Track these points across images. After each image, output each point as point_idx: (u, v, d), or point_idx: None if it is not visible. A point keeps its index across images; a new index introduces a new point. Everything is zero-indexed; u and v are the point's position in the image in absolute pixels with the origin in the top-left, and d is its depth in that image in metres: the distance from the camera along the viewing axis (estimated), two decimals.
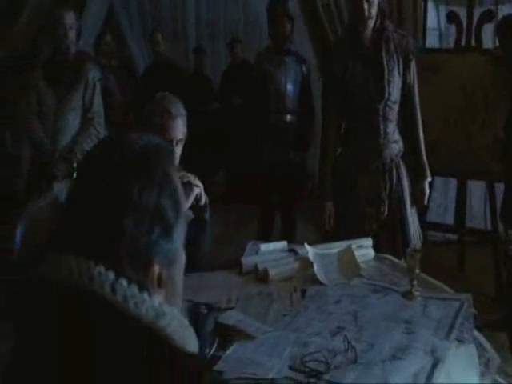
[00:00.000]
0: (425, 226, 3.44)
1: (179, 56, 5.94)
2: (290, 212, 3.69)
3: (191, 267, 1.90)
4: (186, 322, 0.75)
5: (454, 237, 3.86)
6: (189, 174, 1.96)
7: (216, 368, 1.38)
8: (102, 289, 0.68)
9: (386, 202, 2.66)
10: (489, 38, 3.64)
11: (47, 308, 0.71)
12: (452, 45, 3.59)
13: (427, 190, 2.74)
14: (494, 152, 3.30)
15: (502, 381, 1.75)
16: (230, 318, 1.59)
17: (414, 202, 2.73)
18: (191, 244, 1.95)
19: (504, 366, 2.42)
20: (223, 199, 4.87)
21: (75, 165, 2.99)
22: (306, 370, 1.37)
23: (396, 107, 2.65)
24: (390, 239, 2.69)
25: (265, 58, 3.57)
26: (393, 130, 2.67)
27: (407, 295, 1.76)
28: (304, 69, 3.57)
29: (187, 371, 0.69)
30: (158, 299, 0.72)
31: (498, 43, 3.44)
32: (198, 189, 1.96)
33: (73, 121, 3.16)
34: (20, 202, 3.19)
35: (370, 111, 2.61)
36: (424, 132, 2.77)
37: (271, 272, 1.89)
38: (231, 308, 1.67)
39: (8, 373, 0.71)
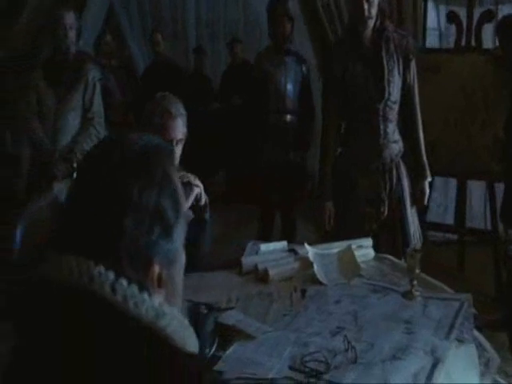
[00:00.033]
0: (425, 225, 3.44)
1: (179, 56, 5.94)
2: (290, 212, 3.69)
3: (191, 267, 1.91)
4: (186, 322, 0.75)
5: (454, 237, 3.86)
6: (189, 174, 1.95)
7: (216, 368, 1.37)
8: (102, 289, 0.68)
9: (386, 202, 2.66)
10: (489, 38, 3.64)
11: (47, 308, 0.71)
12: (452, 45, 3.58)
13: (427, 190, 2.74)
14: (494, 152, 3.30)
15: (502, 381, 1.75)
16: (230, 317, 1.59)
17: (413, 201, 2.73)
18: (191, 244, 1.96)
19: (504, 365, 2.42)
20: (223, 199, 4.87)
21: (75, 165, 2.99)
22: (306, 369, 1.37)
23: (396, 107, 2.65)
24: (390, 239, 2.69)
25: (265, 57, 3.57)
26: (393, 130, 2.67)
27: (407, 295, 1.76)
28: (304, 69, 3.57)
29: (187, 371, 0.69)
30: (158, 299, 0.72)
31: (498, 43, 3.44)
32: (198, 189, 1.96)
33: (73, 121, 3.16)
34: (20, 202, 3.19)
35: (369, 111, 2.61)
36: (424, 132, 2.77)
37: (271, 272, 1.89)
38: (231, 308, 1.67)
39: (8, 373, 0.71)
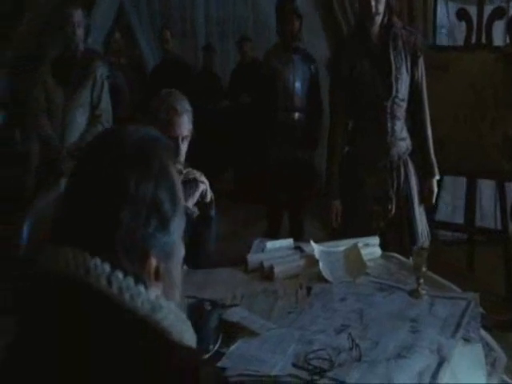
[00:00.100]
0: (434, 225, 3.41)
1: (188, 54, 5.95)
2: (297, 213, 3.69)
3: (197, 264, 1.91)
4: (184, 316, 0.74)
5: (464, 236, 3.82)
6: (194, 171, 1.95)
7: (219, 364, 1.37)
8: (98, 281, 0.68)
9: (394, 200, 2.64)
10: (499, 35, 3.61)
11: (44, 300, 0.71)
12: (462, 42, 3.55)
13: (435, 189, 2.72)
14: (504, 150, 3.27)
15: (509, 380, 1.73)
16: (235, 314, 1.59)
17: (421, 200, 2.71)
18: (196, 241, 1.96)
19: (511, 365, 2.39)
20: (231, 197, 4.87)
21: None
22: (310, 367, 1.37)
23: (404, 105, 2.64)
24: (398, 238, 2.67)
25: (273, 55, 3.57)
26: (400, 128, 2.65)
27: (413, 294, 1.74)
28: (312, 67, 3.56)
29: (184, 365, 0.68)
30: (154, 292, 0.72)
31: (508, 40, 3.41)
32: (204, 185, 1.95)
33: (80, 118, 3.18)
34: (28, 201, 3.22)
35: (377, 109, 2.59)
36: (433, 129, 2.75)
37: (276, 269, 1.88)
38: (236, 305, 1.66)
39: (5, 363, 0.71)
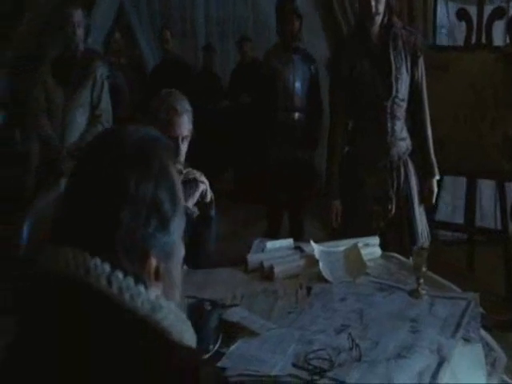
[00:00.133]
0: (434, 225, 3.41)
1: (188, 54, 5.95)
2: (297, 213, 3.69)
3: (197, 265, 1.91)
4: (184, 316, 0.74)
5: (464, 236, 3.82)
6: (194, 171, 1.95)
7: (219, 364, 1.37)
8: (98, 281, 0.68)
9: (394, 200, 2.64)
10: (499, 35, 3.60)
11: (45, 299, 0.71)
12: (462, 42, 3.55)
13: (435, 189, 2.72)
14: (503, 150, 3.27)
15: (509, 381, 1.73)
16: (235, 314, 1.59)
17: (421, 200, 2.71)
18: (196, 241, 1.96)
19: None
20: (231, 197, 4.87)
21: None
22: (310, 367, 1.36)
23: (404, 105, 2.64)
24: (398, 238, 2.67)
25: (273, 55, 3.57)
26: (400, 128, 2.65)
27: (413, 294, 1.74)
28: (312, 67, 3.56)
29: (184, 365, 0.68)
30: (154, 292, 0.72)
31: (508, 40, 3.41)
32: (204, 185, 1.95)
33: (80, 118, 3.18)
34: (28, 201, 3.22)
35: (377, 109, 2.59)
36: (433, 129, 2.75)
37: (276, 269, 1.88)
38: (236, 305, 1.66)
39: (5, 363, 0.71)
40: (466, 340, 1.51)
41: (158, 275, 0.73)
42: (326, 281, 1.85)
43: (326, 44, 4.32)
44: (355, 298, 1.73)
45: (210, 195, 1.99)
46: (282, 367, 1.37)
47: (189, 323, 0.75)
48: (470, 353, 1.49)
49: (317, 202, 3.69)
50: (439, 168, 2.73)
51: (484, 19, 3.41)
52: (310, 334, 1.51)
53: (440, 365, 1.37)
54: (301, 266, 1.95)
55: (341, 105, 2.71)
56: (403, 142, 2.66)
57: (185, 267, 1.88)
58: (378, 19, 2.55)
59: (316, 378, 1.33)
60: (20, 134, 4.11)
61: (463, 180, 3.69)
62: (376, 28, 2.58)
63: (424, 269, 1.77)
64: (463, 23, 3.53)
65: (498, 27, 3.53)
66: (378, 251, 2.09)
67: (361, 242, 2.05)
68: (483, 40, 3.42)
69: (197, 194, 1.93)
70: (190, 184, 1.92)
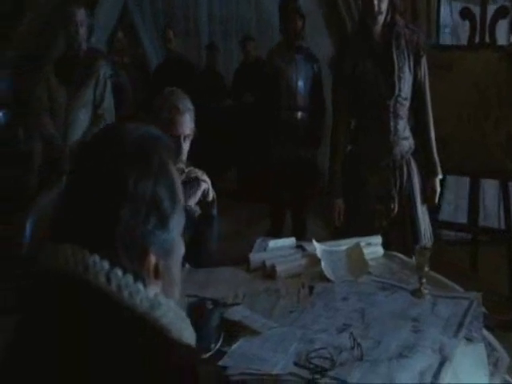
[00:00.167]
0: (437, 224, 3.40)
1: (191, 53, 5.96)
2: (300, 212, 3.68)
3: (199, 264, 1.91)
4: (183, 313, 0.74)
5: (468, 236, 3.81)
6: (196, 170, 1.95)
7: (221, 363, 1.37)
8: (97, 278, 0.68)
9: (396, 199, 2.63)
10: (503, 34, 3.59)
11: (45, 297, 0.72)
12: (465, 42, 3.54)
13: (438, 188, 2.71)
14: (507, 150, 3.26)
15: None
16: (236, 313, 1.58)
17: (424, 199, 2.70)
18: (198, 240, 1.96)
19: None
20: (234, 197, 4.87)
21: None
22: (311, 366, 1.36)
23: (407, 104, 2.63)
24: (401, 237, 2.66)
25: (276, 54, 3.57)
26: (403, 127, 2.64)
27: (416, 293, 1.74)
28: (315, 66, 3.56)
29: (183, 362, 0.68)
30: (153, 290, 0.72)
31: None
32: (206, 184, 1.95)
33: (83, 117, 3.19)
34: (31, 199, 3.22)
35: (380, 108, 2.58)
36: (437, 128, 2.74)
37: (279, 268, 1.88)
38: (237, 304, 1.66)
39: (5, 360, 0.71)
40: (469, 340, 1.51)
41: (157, 273, 0.73)
42: (328, 280, 1.85)
43: (329, 42, 4.31)
44: (357, 298, 1.73)
45: (211, 194, 1.99)
46: (284, 366, 1.36)
47: (188, 321, 0.75)
48: (473, 353, 1.49)
49: (319, 201, 3.69)
50: (442, 167, 2.72)
51: (487, 18, 3.40)
52: (311, 333, 1.51)
53: (442, 364, 1.36)
54: (303, 265, 1.95)
55: (343, 103, 2.71)
56: (406, 141, 2.66)
57: (187, 266, 1.88)
58: (381, 18, 2.54)
59: (317, 376, 1.33)
60: (23, 133, 4.11)
61: (466, 180, 3.68)
62: (379, 27, 2.57)
63: (426, 268, 1.76)
64: (467, 22, 3.52)
65: (502, 26, 3.52)
66: (380, 250, 2.08)
67: (363, 241, 2.04)
68: (487, 39, 3.41)
69: (199, 193, 1.92)
70: (192, 183, 1.92)
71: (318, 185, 3.76)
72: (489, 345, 1.58)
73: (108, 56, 4.25)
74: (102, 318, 0.68)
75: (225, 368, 1.35)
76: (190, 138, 1.96)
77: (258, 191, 4.16)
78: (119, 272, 0.69)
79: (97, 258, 0.69)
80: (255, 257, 1.98)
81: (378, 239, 2.11)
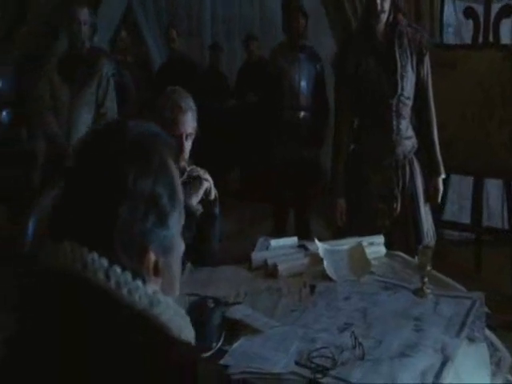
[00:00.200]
0: (441, 224, 3.39)
1: (195, 52, 5.95)
2: (303, 212, 3.68)
3: (201, 263, 1.91)
4: (182, 311, 0.74)
5: (471, 236, 3.80)
6: (198, 168, 1.95)
7: (222, 362, 1.37)
8: (96, 276, 0.68)
9: (399, 199, 2.63)
10: (507, 33, 3.58)
11: (44, 295, 0.72)
12: (469, 41, 3.53)
13: (441, 187, 2.71)
14: (511, 149, 3.24)
15: None
16: (238, 312, 1.58)
17: (427, 199, 2.69)
18: (200, 239, 1.96)
19: None
20: (237, 196, 4.87)
21: None
22: (313, 365, 1.36)
23: (409, 103, 2.62)
24: (403, 237, 2.65)
25: (279, 53, 3.57)
26: (406, 126, 2.64)
27: (418, 292, 1.73)
28: (318, 65, 3.55)
29: (182, 360, 0.68)
30: (152, 287, 0.72)
31: None
32: (208, 183, 1.95)
33: (86, 116, 3.19)
34: (34, 198, 3.23)
35: (382, 107, 2.58)
36: (441, 127, 2.74)
37: (280, 267, 1.88)
38: (239, 302, 1.66)
39: (5, 358, 0.71)
40: (471, 339, 1.50)
41: (157, 270, 0.73)
42: (330, 279, 1.85)
43: (333, 42, 4.30)
44: (359, 297, 1.73)
45: (214, 193, 1.98)
46: (285, 365, 1.36)
47: (187, 319, 0.75)
48: (475, 352, 1.48)
49: (322, 201, 3.68)
50: (446, 166, 2.72)
51: (491, 17, 3.39)
52: (313, 333, 1.50)
53: (444, 364, 1.36)
54: (305, 264, 1.94)
55: (346, 103, 2.71)
56: (408, 141, 2.65)
57: (189, 265, 1.88)
58: (384, 17, 2.54)
59: (319, 376, 1.32)
60: (26, 133, 4.12)
61: (470, 179, 3.67)
62: (381, 26, 2.57)
63: (429, 268, 1.76)
64: (470, 21, 3.51)
65: (506, 25, 3.51)
66: (382, 250, 2.08)
67: (365, 240, 2.04)
68: (490, 38, 3.40)
69: (201, 192, 1.92)
70: (194, 182, 1.91)
71: (321, 184, 3.76)
72: (491, 345, 1.57)
73: (111, 55, 4.26)
74: (101, 315, 0.68)
75: (226, 367, 1.35)
76: (192, 136, 1.96)
77: (261, 191, 4.16)
78: (118, 269, 0.69)
79: (96, 255, 0.69)
80: (257, 256, 1.98)
81: (380, 239, 2.11)
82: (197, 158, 2.06)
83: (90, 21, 3.22)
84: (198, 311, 1.46)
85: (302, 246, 2.07)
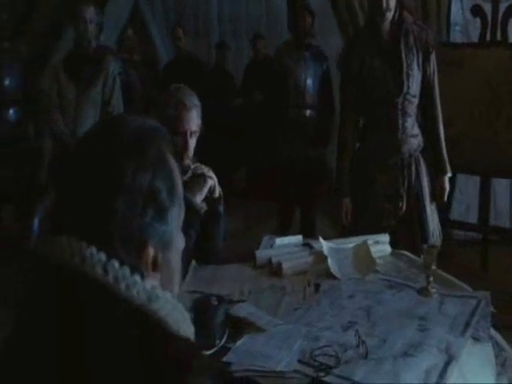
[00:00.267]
0: (448, 224, 3.38)
1: (201, 51, 5.96)
2: (309, 210, 3.67)
3: (206, 261, 1.91)
4: (181, 306, 0.74)
5: (478, 236, 3.78)
6: (202, 166, 1.94)
7: (225, 359, 1.37)
8: (94, 270, 0.68)
9: (405, 198, 2.61)
10: None
11: (43, 289, 0.72)
12: (477, 39, 3.51)
13: (447, 186, 2.69)
14: None
15: None
16: (242, 310, 1.58)
17: (433, 198, 2.68)
18: (204, 237, 1.95)
19: None
20: (243, 195, 4.87)
21: None
22: (316, 363, 1.35)
23: (415, 101, 2.61)
24: (409, 236, 2.64)
25: (285, 52, 3.56)
26: (412, 125, 2.62)
27: (423, 292, 1.72)
28: (324, 64, 3.55)
29: (180, 355, 0.68)
30: (150, 282, 0.71)
31: None
32: (212, 181, 1.94)
33: (92, 114, 3.21)
34: (40, 195, 3.24)
35: (388, 105, 2.57)
36: (448, 126, 2.72)
37: (285, 266, 1.87)
38: (243, 300, 1.66)
39: (3, 353, 0.72)
40: (476, 339, 1.49)
41: (155, 265, 0.73)
42: (335, 278, 1.84)
43: (340, 42, 4.29)
44: (363, 295, 1.72)
45: (218, 191, 1.98)
46: (288, 363, 1.36)
47: (186, 314, 0.75)
48: (480, 352, 1.47)
49: (328, 200, 3.67)
50: (453, 165, 2.70)
51: (499, 16, 3.37)
52: (316, 331, 1.50)
53: (448, 364, 1.35)
54: (309, 262, 1.94)
55: (351, 101, 2.69)
56: (414, 139, 2.64)
57: (193, 263, 1.88)
58: (389, 15, 2.53)
59: (322, 374, 1.32)
60: (33, 130, 4.14)
61: (477, 179, 3.65)
62: (387, 24, 2.55)
63: (434, 267, 1.75)
64: (478, 20, 3.49)
65: None
66: (387, 249, 2.07)
67: (371, 239, 2.03)
68: (498, 37, 3.38)
69: (205, 190, 1.91)
70: (198, 179, 1.91)
71: (327, 183, 3.75)
72: (496, 345, 1.56)
73: (117, 54, 4.26)
74: (99, 309, 0.67)
75: (229, 364, 1.35)
76: (197, 134, 1.95)
77: (267, 189, 4.16)
78: (116, 264, 0.69)
79: (94, 249, 0.69)
80: (261, 254, 1.97)
81: (385, 237, 2.10)
82: (203, 156, 2.06)
83: (96, 19, 3.24)
84: (202, 309, 1.46)
85: (306, 245, 2.06)
